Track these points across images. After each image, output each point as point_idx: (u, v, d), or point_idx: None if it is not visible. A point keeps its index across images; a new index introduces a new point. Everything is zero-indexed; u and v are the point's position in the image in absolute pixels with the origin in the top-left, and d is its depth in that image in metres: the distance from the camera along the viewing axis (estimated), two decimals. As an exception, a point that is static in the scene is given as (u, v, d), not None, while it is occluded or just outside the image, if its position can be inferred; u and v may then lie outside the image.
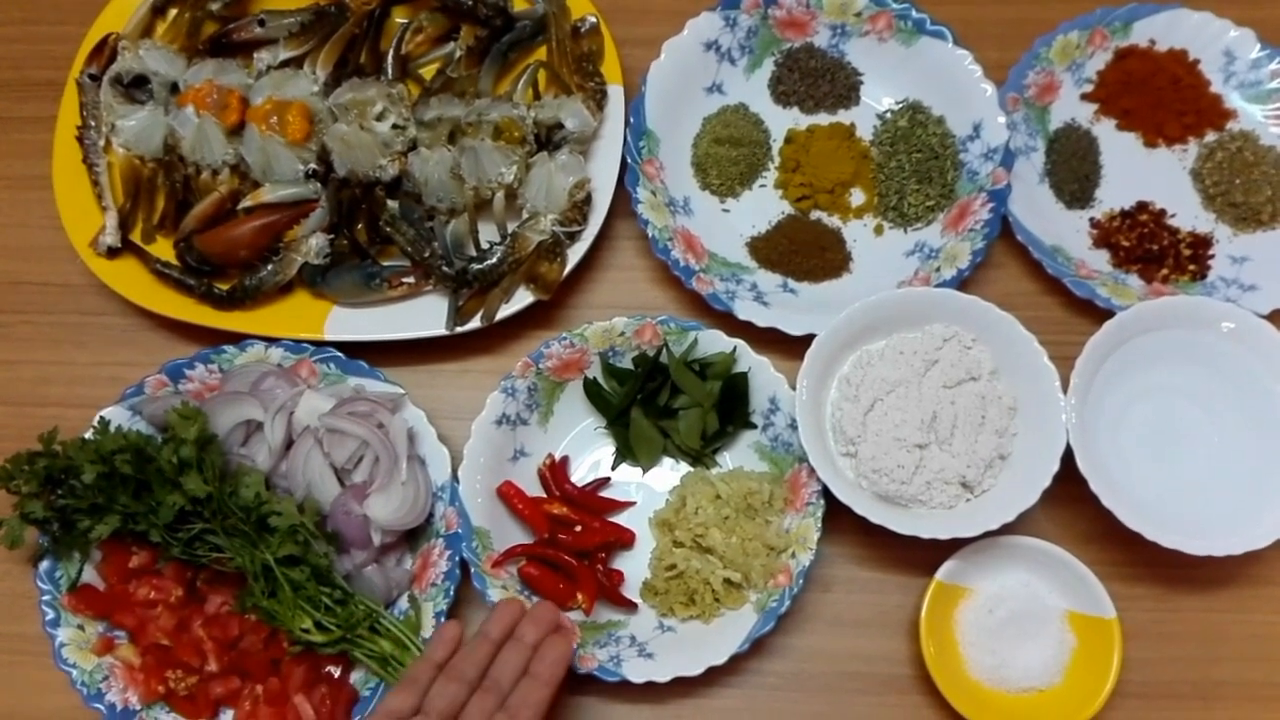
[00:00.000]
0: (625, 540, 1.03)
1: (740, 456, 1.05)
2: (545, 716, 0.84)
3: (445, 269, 1.05)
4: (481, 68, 1.14)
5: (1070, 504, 1.00)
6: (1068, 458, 0.95)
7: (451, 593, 0.97)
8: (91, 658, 0.97)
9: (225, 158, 1.09)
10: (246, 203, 1.09)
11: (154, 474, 0.95)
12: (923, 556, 0.99)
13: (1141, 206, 1.13)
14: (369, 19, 1.15)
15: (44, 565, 0.98)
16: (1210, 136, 1.15)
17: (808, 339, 1.01)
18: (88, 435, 0.98)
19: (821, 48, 1.17)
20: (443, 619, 0.96)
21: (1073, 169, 1.14)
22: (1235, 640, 1.01)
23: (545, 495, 1.04)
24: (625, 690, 0.96)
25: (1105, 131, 1.16)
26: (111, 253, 1.09)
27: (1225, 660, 1.00)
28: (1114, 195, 1.14)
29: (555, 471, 1.04)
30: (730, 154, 1.14)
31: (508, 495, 1.02)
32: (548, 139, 1.09)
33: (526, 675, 0.85)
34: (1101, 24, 1.16)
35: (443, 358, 1.10)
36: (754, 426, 1.05)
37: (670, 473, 1.06)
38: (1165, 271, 1.09)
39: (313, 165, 1.09)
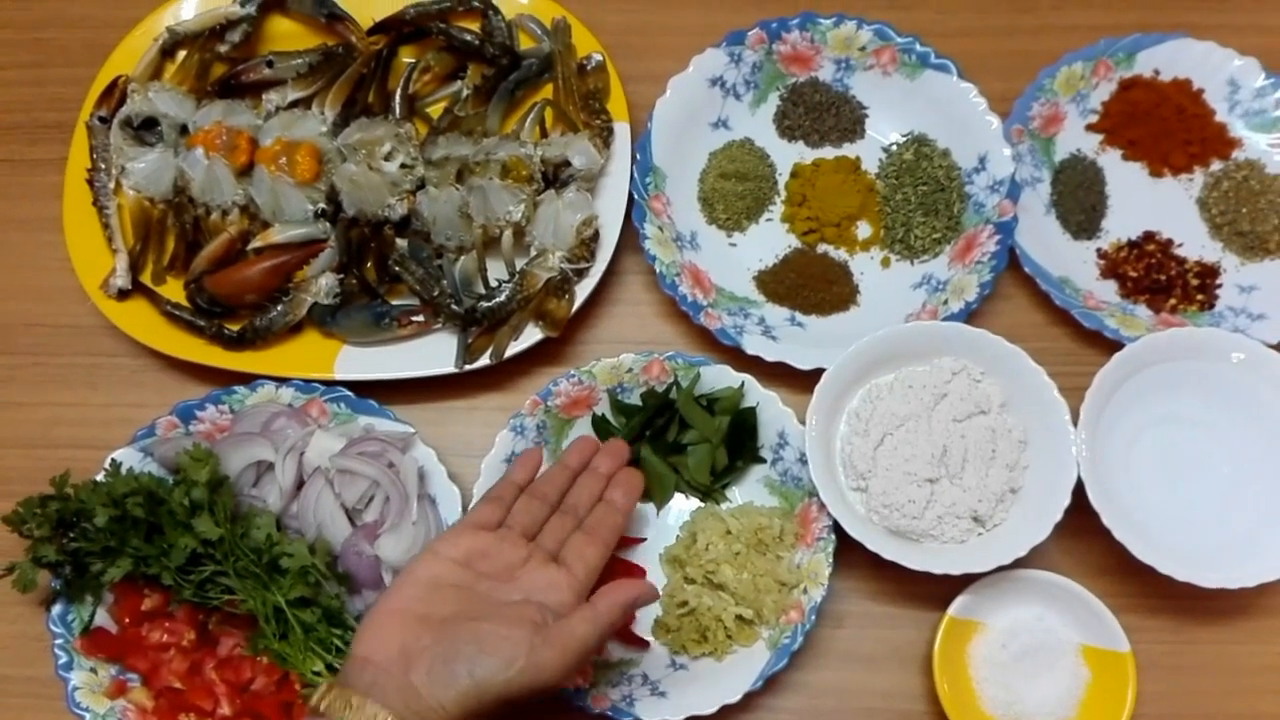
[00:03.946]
0: (636, 577, 1.02)
1: (749, 491, 1.05)
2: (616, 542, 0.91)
3: (454, 307, 1.06)
4: (489, 106, 1.14)
5: (1082, 536, 1.00)
6: (1079, 490, 0.95)
7: (463, 632, 0.97)
8: (105, 701, 0.97)
9: (235, 199, 1.09)
10: (256, 243, 1.09)
11: (166, 516, 0.95)
12: (935, 590, 0.98)
13: (1148, 236, 1.13)
14: (376, 59, 1.16)
15: (56, 609, 0.98)
16: (1216, 165, 1.15)
17: (816, 373, 1.01)
18: (99, 478, 0.98)
19: (826, 82, 1.18)
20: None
21: (1079, 200, 1.14)
22: (1250, 672, 1.00)
23: (556, 532, 1.04)
24: (638, 730, 0.95)
25: (1111, 162, 1.16)
26: (122, 294, 1.09)
27: (1240, 693, 1.00)
28: (1121, 226, 1.14)
29: (566, 509, 1.04)
30: (736, 188, 1.14)
31: (518, 533, 1.02)
32: (555, 177, 1.09)
33: (602, 502, 0.91)
34: (1105, 55, 1.16)
35: (452, 395, 1.10)
36: (763, 461, 1.05)
37: (680, 508, 1.06)
38: (1173, 302, 1.09)
39: (322, 205, 1.09)
